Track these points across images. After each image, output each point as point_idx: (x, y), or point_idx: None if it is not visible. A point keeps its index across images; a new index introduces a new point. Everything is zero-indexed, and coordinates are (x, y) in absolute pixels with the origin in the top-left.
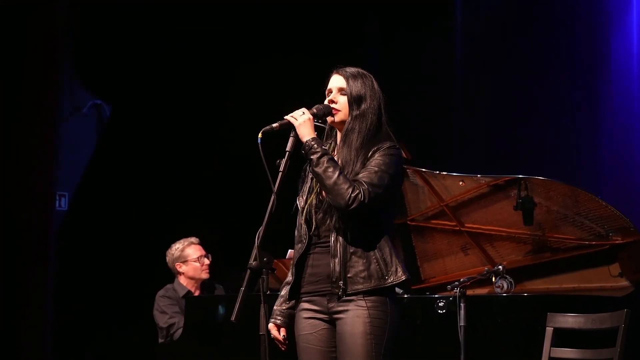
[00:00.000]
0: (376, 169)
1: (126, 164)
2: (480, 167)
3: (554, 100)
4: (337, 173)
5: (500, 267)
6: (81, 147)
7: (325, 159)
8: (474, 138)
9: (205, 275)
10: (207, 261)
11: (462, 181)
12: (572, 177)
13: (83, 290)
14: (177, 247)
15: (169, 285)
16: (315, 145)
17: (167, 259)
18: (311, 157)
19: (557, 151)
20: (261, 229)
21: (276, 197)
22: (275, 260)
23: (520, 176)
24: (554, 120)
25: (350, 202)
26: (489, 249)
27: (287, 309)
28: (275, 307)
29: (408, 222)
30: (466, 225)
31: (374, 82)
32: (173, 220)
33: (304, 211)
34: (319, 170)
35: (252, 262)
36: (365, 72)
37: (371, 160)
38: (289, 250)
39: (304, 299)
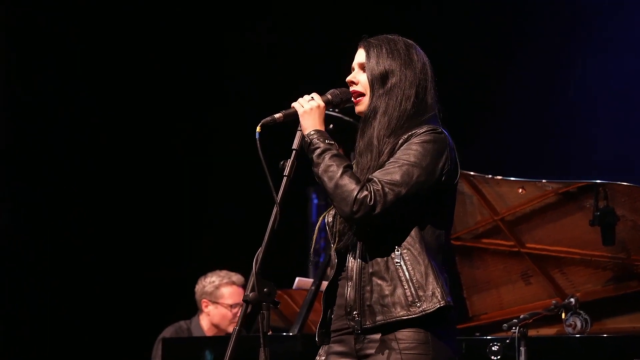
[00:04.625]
0: (403, 161)
1: (83, 161)
2: (545, 170)
3: (634, 95)
4: (340, 171)
5: (572, 299)
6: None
7: (327, 155)
8: (537, 134)
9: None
10: None
11: (523, 188)
12: None
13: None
14: (211, 281)
15: (182, 323)
16: (316, 140)
17: (196, 288)
18: (311, 155)
19: None
20: (260, 251)
21: (280, 209)
22: (279, 292)
23: (598, 181)
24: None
25: (355, 209)
26: (557, 277)
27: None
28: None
29: (452, 242)
30: (527, 245)
31: (412, 49)
32: (142, 239)
33: (329, 227)
34: (319, 171)
35: (249, 294)
36: (398, 37)
37: (398, 151)
38: (297, 279)
39: (333, 338)
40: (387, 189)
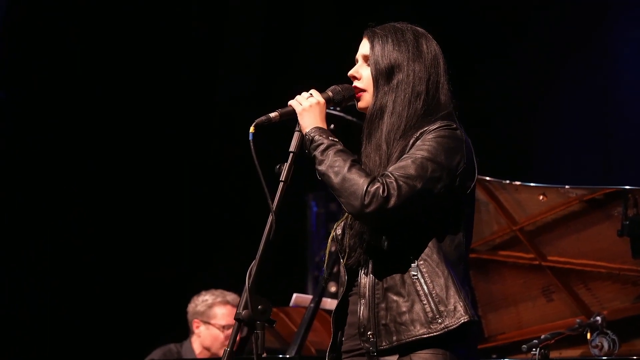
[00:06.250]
0: (417, 155)
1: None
2: (569, 176)
3: None
4: (347, 165)
5: (598, 318)
6: None
7: (332, 150)
8: (559, 136)
9: None
10: None
11: (544, 195)
12: None
13: None
14: (204, 299)
15: (172, 346)
16: (319, 137)
17: (188, 308)
18: (314, 152)
19: None
20: (254, 264)
21: (275, 217)
22: (275, 309)
23: (627, 187)
24: None
25: (366, 202)
26: (581, 293)
27: None
28: None
29: None
30: (549, 258)
31: (422, 39)
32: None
33: (338, 240)
34: (323, 168)
35: (242, 312)
36: (406, 25)
37: (411, 148)
38: (295, 295)
39: (344, 359)
40: (401, 182)
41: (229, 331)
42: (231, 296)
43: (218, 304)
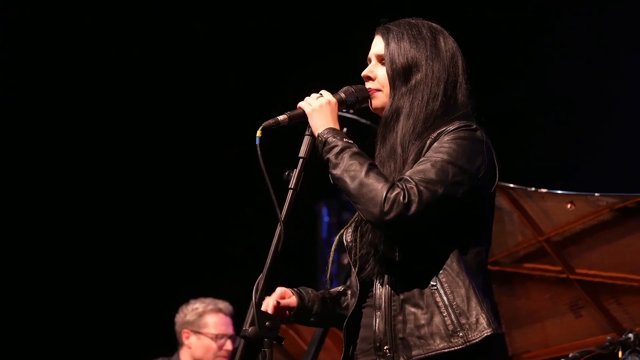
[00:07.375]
0: (436, 158)
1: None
2: (600, 182)
3: None
4: (364, 169)
5: (630, 335)
6: None
7: (347, 153)
8: (588, 139)
9: None
10: (229, 345)
11: (572, 203)
12: None
13: None
14: (194, 308)
15: None
16: (332, 138)
17: (176, 318)
18: (327, 155)
19: None
20: (261, 278)
21: (284, 227)
22: (284, 326)
23: None
24: None
25: (386, 209)
26: (612, 308)
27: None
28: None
29: (488, 267)
30: (578, 270)
31: (439, 36)
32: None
33: (349, 248)
34: (338, 172)
35: (249, 328)
36: (422, 21)
37: (428, 151)
38: None
39: None
40: (421, 187)
41: (222, 341)
42: (223, 304)
43: (209, 312)
